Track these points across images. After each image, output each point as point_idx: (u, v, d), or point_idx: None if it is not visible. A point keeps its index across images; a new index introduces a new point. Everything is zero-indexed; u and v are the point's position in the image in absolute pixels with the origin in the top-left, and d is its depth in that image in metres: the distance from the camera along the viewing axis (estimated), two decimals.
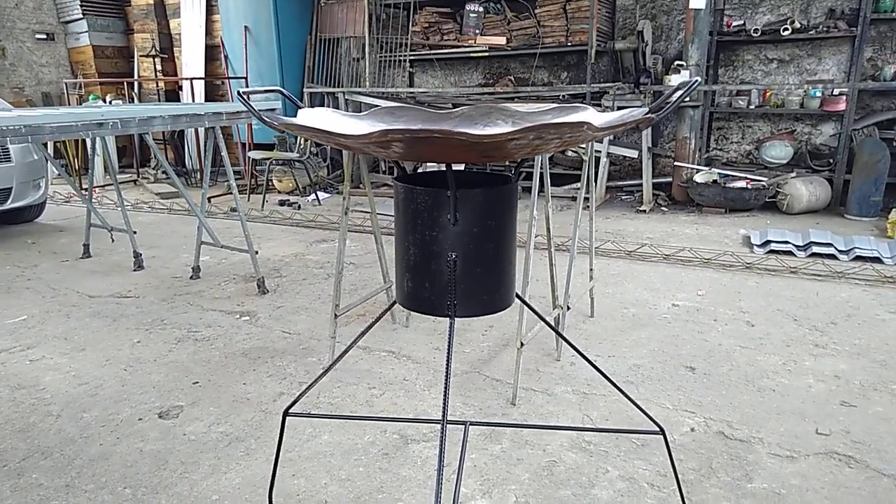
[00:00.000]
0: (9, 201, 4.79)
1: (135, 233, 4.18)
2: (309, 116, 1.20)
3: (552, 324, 1.65)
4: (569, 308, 2.71)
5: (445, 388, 1.17)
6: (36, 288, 3.78)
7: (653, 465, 1.92)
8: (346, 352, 1.56)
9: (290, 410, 1.65)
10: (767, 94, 5.68)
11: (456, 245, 1.12)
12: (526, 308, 2.30)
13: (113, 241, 4.56)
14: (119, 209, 4.23)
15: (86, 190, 5.11)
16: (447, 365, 1.19)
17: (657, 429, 1.53)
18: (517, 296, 1.29)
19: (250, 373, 2.62)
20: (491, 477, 1.89)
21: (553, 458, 1.97)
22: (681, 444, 2.03)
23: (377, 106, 6.54)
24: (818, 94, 5.43)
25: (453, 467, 1.90)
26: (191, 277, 3.90)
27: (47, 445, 2.13)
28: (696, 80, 1.11)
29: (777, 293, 3.39)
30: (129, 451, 2.08)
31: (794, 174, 5.27)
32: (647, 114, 1.14)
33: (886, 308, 3.12)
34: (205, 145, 3.67)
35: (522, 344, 2.29)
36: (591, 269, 3.06)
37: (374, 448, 2.05)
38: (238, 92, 1.27)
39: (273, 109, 3.83)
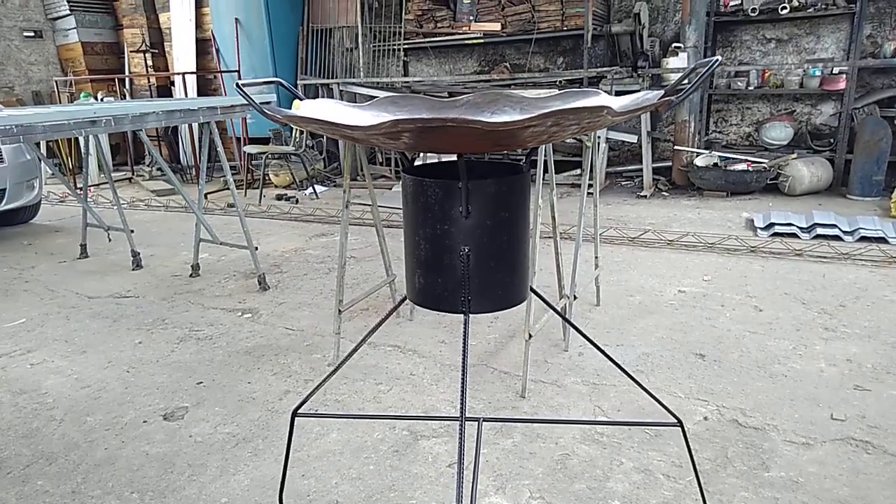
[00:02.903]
0: (2, 203, 4.73)
1: (132, 231, 4.13)
2: (311, 108, 1.15)
3: (562, 314, 1.61)
4: (576, 297, 2.67)
5: (463, 385, 1.13)
6: (34, 290, 3.73)
7: (668, 455, 1.89)
8: (353, 351, 1.53)
9: (299, 411, 1.62)
10: (766, 74, 5.62)
11: (468, 238, 1.08)
12: (533, 299, 2.27)
13: (110, 240, 4.51)
14: (115, 208, 4.17)
15: (80, 189, 5.05)
16: (463, 362, 1.15)
17: (674, 420, 1.50)
18: (531, 289, 1.24)
19: (255, 371, 2.58)
20: (504, 472, 1.86)
21: (566, 451, 1.94)
22: (695, 434, 2.00)
23: (373, 97, 6.47)
24: (817, 73, 5.38)
25: (466, 463, 1.87)
26: (190, 275, 3.86)
27: (51, 451, 2.09)
28: (717, 60, 1.06)
29: (783, 276, 3.36)
30: (135, 455, 2.04)
31: (794, 155, 5.23)
32: (663, 97, 1.10)
33: (895, 289, 3.10)
34: (199, 141, 3.61)
35: (531, 336, 2.25)
36: (596, 258, 3.03)
37: (383, 445, 2.02)
38: (236, 84, 1.22)
39: (268, 103, 3.77)
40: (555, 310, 1.46)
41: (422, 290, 1.17)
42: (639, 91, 4.55)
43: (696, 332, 2.75)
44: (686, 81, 1.52)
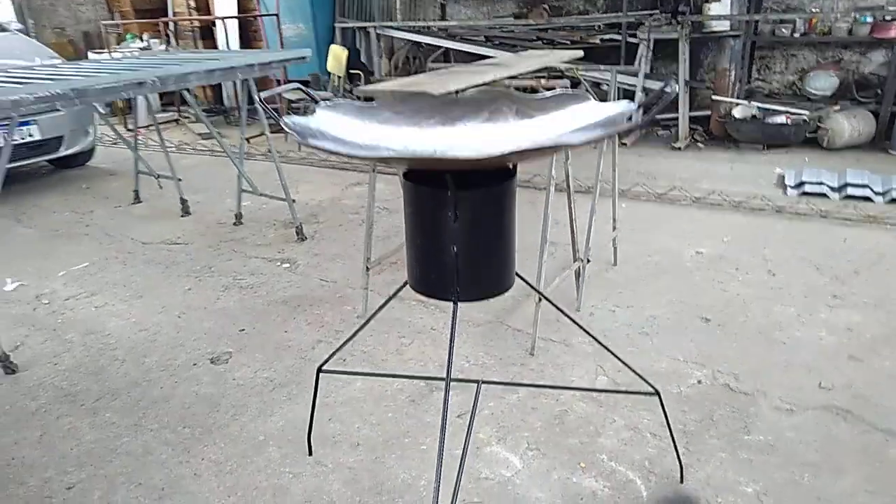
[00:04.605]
0: (62, 148, 5.04)
1: (180, 180, 4.39)
2: (324, 121, 1.30)
3: (545, 295, 1.77)
4: (589, 261, 2.81)
5: (449, 362, 1.32)
6: (94, 234, 4.06)
7: (657, 416, 2.06)
8: (365, 324, 1.73)
9: (324, 368, 1.85)
10: (814, 21, 5.40)
11: (457, 238, 1.24)
12: (545, 261, 2.43)
13: (161, 187, 4.78)
14: (163, 151, 4.43)
15: (130, 131, 5.31)
16: (450, 348, 1.34)
17: (652, 390, 1.67)
18: (517, 274, 1.41)
19: (291, 321, 2.84)
20: (506, 424, 2.08)
21: (565, 407, 2.14)
22: (686, 396, 2.17)
23: (408, 40, 6.43)
24: (868, 19, 5.14)
25: (465, 418, 2.09)
26: (234, 224, 4.12)
27: (116, 388, 2.40)
28: (673, 93, 1.16)
29: (804, 239, 3.41)
30: (186, 395, 2.34)
31: (837, 107, 5.10)
32: (628, 122, 1.21)
33: None
34: (242, 86, 3.79)
35: (540, 300, 2.42)
36: (613, 220, 3.13)
37: (402, 395, 2.26)
38: (259, 100, 1.38)
39: (303, 57, 3.90)
40: (538, 291, 1.62)
41: (419, 279, 1.36)
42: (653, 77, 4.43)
43: (706, 295, 2.88)
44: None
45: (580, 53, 3.13)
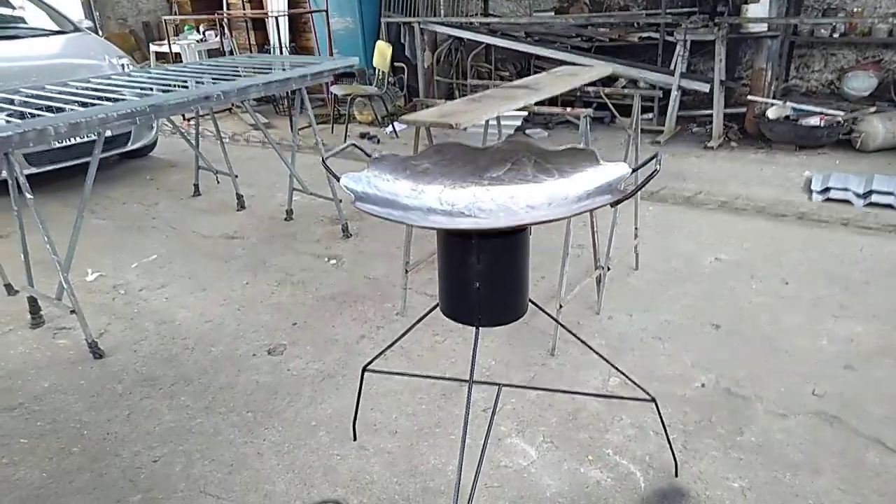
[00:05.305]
0: (129, 143, 5.48)
1: (236, 176, 4.76)
2: (375, 181, 1.58)
3: (554, 317, 2.02)
4: (609, 269, 3.05)
5: (470, 376, 1.61)
6: (160, 227, 4.47)
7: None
8: (405, 332, 2.03)
9: (369, 367, 2.16)
10: (853, 24, 5.41)
11: (480, 277, 1.52)
12: (567, 268, 2.69)
13: (218, 182, 5.17)
14: (218, 143, 4.80)
15: (189, 121, 5.67)
16: (472, 358, 1.63)
17: (649, 397, 1.93)
18: (529, 300, 1.69)
19: (338, 316, 3.17)
20: (526, 419, 2.37)
21: (579, 405, 2.42)
22: (689, 398, 2.42)
23: (451, 37, 6.64)
24: None
25: (486, 413, 2.39)
26: (285, 219, 4.47)
27: (188, 374, 2.77)
28: (655, 172, 1.41)
29: (822, 247, 3.57)
30: (248, 382, 2.69)
31: (873, 109, 5.13)
32: (614, 203, 1.45)
33: None
34: (296, 92, 4.13)
35: (561, 306, 2.69)
36: (636, 228, 3.35)
37: (434, 389, 2.57)
38: (322, 160, 1.67)
39: (351, 66, 4.20)
40: (552, 317, 1.89)
41: (448, 306, 1.65)
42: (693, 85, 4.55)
43: (719, 302, 3.09)
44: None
45: (609, 72, 3.32)
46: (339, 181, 1.60)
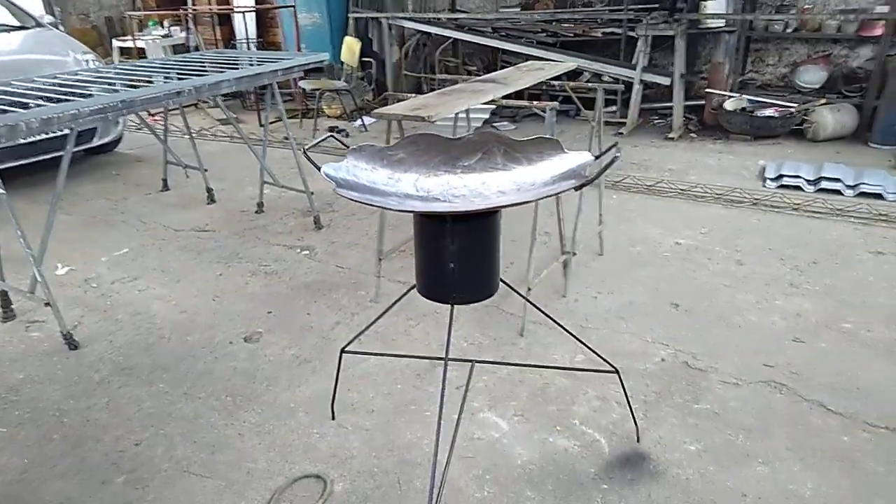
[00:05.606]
0: (95, 139, 5.43)
1: (206, 171, 4.77)
2: (354, 170, 1.66)
3: (525, 296, 2.14)
4: (574, 254, 3.18)
5: (446, 353, 1.71)
6: (129, 221, 4.46)
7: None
8: (380, 316, 2.12)
9: (347, 349, 2.25)
10: (804, 20, 5.66)
11: (454, 257, 1.62)
12: (535, 254, 2.81)
13: (188, 177, 5.17)
14: (186, 137, 4.79)
15: (153, 116, 5.63)
16: (447, 336, 1.72)
17: (612, 368, 2.06)
18: (501, 280, 1.80)
19: (312, 304, 3.24)
20: (497, 394, 2.48)
21: (547, 381, 2.54)
22: (650, 372, 2.56)
23: (418, 31, 6.71)
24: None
25: (463, 390, 2.49)
26: (256, 212, 4.51)
27: (165, 362, 2.82)
28: (616, 158, 1.52)
29: (774, 231, 3.76)
30: (226, 369, 2.75)
31: (822, 101, 5.38)
32: (577, 186, 1.57)
33: (868, 248, 3.48)
34: (266, 87, 4.16)
35: (530, 289, 2.81)
36: (600, 214, 3.48)
37: (409, 370, 2.66)
38: (304, 151, 1.74)
39: (322, 61, 4.25)
40: (521, 294, 2.00)
41: (424, 285, 1.75)
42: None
43: (678, 283, 3.24)
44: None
45: (573, 65, 3.45)
46: (320, 171, 1.68)
